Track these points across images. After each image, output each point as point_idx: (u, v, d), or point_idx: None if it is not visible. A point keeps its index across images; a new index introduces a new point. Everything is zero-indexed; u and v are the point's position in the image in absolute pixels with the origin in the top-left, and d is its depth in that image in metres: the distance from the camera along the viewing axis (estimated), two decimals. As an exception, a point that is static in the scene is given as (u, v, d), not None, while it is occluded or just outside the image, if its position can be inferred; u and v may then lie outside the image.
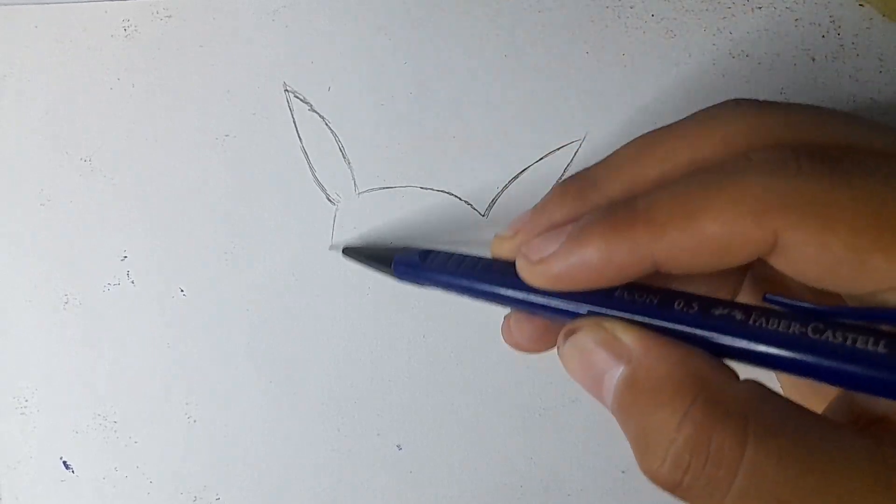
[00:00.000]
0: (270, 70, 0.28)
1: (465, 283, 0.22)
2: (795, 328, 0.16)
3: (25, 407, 0.29)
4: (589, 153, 0.27)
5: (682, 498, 0.16)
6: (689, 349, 0.17)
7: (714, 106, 0.20)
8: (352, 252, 0.27)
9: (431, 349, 0.28)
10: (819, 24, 0.26)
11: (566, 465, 0.28)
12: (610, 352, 0.18)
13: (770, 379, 0.19)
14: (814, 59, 0.26)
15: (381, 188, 0.28)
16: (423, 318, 0.28)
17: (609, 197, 0.20)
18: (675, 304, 0.18)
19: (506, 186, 0.27)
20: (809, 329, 0.16)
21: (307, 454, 0.28)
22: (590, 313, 0.19)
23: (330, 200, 0.28)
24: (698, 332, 0.17)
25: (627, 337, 0.18)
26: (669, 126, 0.20)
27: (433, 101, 0.27)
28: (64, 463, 0.29)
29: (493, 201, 0.27)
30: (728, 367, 0.17)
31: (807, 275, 0.17)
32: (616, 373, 0.18)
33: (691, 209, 0.17)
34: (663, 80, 0.26)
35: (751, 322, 0.17)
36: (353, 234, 0.28)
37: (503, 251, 0.22)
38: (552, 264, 0.19)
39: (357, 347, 0.28)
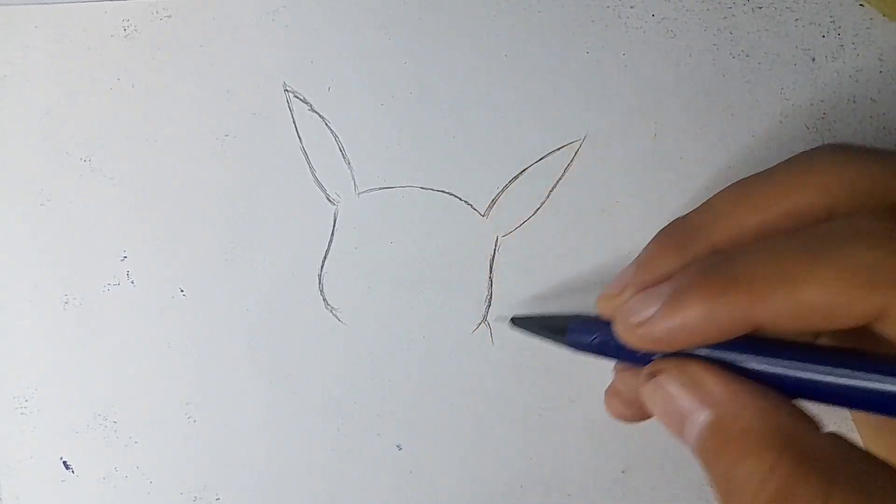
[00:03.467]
0: (270, 70, 0.28)
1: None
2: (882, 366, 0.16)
3: (25, 407, 0.29)
4: (589, 153, 0.27)
5: None
6: (772, 397, 0.17)
7: (810, 151, 0.20)
8: (521, 322, 0.25)
9: (431, 349, 0.28)
10: (819, 24, 0.26)
11: (566, 465, 0.28)
12: (694, 396, 0.18)
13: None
14: (814, 59, 0.26)
15: (381, 188, 0.28)
16: (423, 318, 0.28)
17: (711, 245, 0.20)
18: (759, 344, 0.18)
19: (506, 186, 0.27)
20: None
21: (307, 454, 0.28)
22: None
23: (330, 200, 0.28)
24: (781, 370, 0.18)
25: (711, 382, 0.18)
26: (765, 172, 0.20)
27: (433, 101, 0.27)
28: (64, 463, 0.29)
29: (493, 201, 0.27)
30: (810, 418, 0.17)
31: None
32: (699, 417, 0.18)
33: (794, 276, 0.17)
34: (663, 80, 0.26)
35: (843, 359, 0.17)
36: (360, 236, 0.28)
37: (609, 310, 0.21)
38: (652, 328, 0.19)
39: (357, 347, 0.28)
